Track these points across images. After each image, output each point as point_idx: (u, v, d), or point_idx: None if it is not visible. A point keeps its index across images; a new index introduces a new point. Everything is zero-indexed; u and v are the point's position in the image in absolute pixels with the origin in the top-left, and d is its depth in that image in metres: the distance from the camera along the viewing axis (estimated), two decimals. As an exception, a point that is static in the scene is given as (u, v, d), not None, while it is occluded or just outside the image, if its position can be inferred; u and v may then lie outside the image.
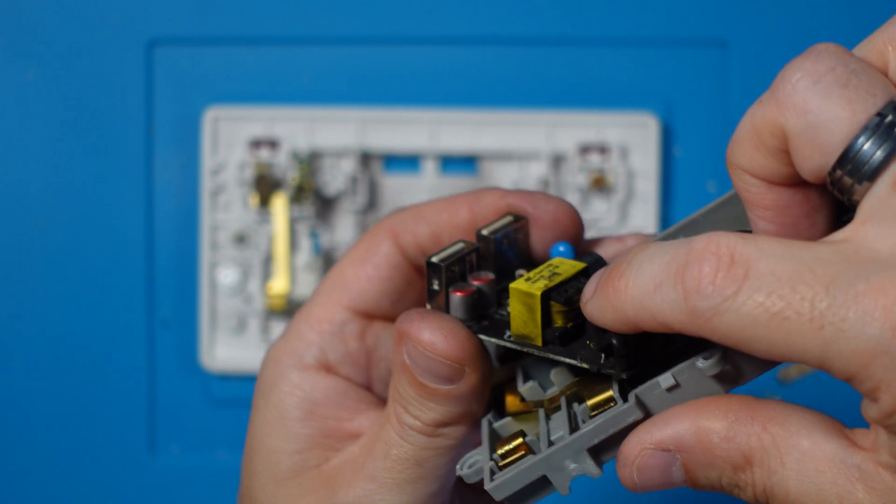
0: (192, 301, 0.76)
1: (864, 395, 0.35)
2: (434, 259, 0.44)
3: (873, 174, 0.35)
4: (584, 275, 0.42)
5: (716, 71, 0.74)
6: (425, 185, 0.75)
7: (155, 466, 0.76)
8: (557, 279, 0.42)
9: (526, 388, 0.44)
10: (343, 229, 0.75)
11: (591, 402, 0.41)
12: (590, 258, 0.44)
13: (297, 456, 0.47)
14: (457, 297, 0.44)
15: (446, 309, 0.44)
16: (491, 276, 0.45)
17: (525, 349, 0.42)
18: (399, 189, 0.76)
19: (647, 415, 0.40)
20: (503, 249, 0.45)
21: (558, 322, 0.41)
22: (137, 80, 0.75)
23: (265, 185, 0.74)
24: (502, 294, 0.45)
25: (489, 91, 0.75)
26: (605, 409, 0.41)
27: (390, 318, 0.49)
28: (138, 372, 0.76)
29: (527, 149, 0.74)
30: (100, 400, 0.76)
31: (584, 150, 0.74)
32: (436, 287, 0.44)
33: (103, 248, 0.75)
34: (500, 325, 0.44)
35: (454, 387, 0.43)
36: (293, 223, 0.75)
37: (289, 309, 0.75)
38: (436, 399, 0.44)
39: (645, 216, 0.74)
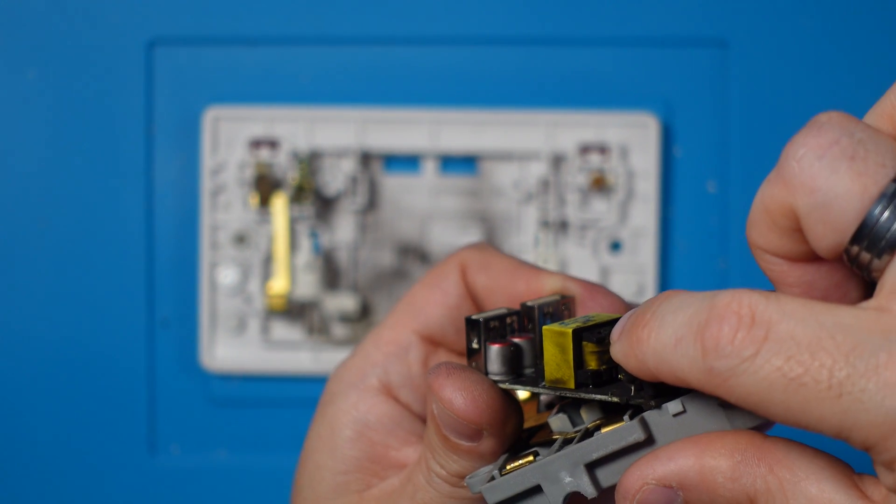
0: (192, 301, 0.76)
1: (882, 465, 0.34)
2: (474, 316, 0.44)
3: (894, 245, 0.34)
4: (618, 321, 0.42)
5: (716, 71, 0.74)
6: (425, 184, 0.75)
7: (155, 466, 0.76)
8: (591, 323, 0.42)
9: (555, 418, 0.43)
10: (343, 229, 0.75)
11: (605, 429, 0.41)
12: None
13: (340, 477, 0.47)
14: (493, 348, 0.44)
15: (485, 367, 0.44)
16: (531, 335, 0.45)
17: (558, 393, 0.42)
18: (399, 189, 0.76)
19: (650, 438, 0.39)
20: (546, 322, 0.45)
21: (591, 364, 0.41)
22: (137, 80, 0.75)
23: (265, 185, 0.74)
24: (541, 357, 0.44)
25: (489, 91, 0.75)
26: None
27: (455, 348, 0.49)
28: (138, 372, 0.76)
29: (527, 149, 0.74)
30: (100, 400, 0.76)
31: (584, 149, 0.74)
32: (475, 345, 0.44)
33: (103, 248, 0.75)
34: (536, 378, 0.44)
35: (475, 444, 0.43)
36: (293, 223, 0.75)
37: (289, 309, 0.75)
38: (458, 453, 0.43)
39: (645, 216, 0.74)
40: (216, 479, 0.76)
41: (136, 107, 0.75)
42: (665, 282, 0.75)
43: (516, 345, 0.44)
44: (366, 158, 0.75)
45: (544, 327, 0.42)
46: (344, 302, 0.75)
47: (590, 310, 0.47)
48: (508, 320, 0.45)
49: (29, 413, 0.76)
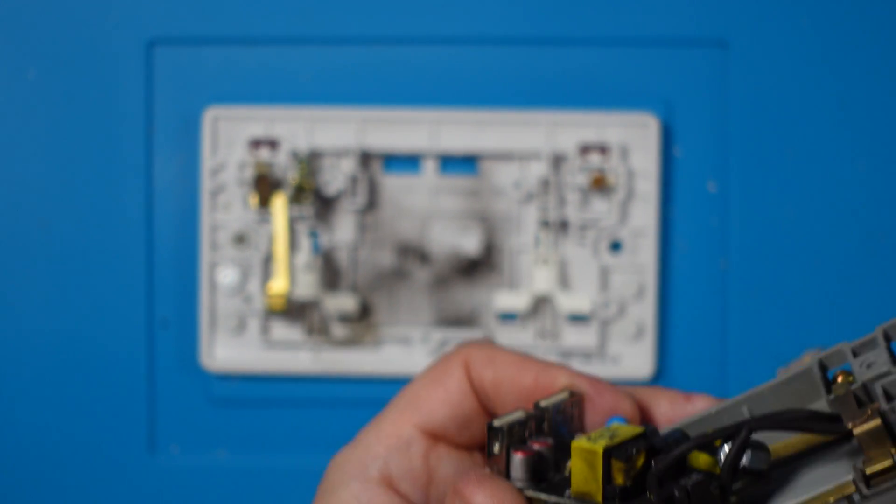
0: (192, 301, 0.76)
1: None
2: (496, 423, 0.45)
3: None
4: (642, 437, 0.43)
5: (716, 71, 0.74)
6: (425, 184, 0.75)
7: (155, 466, 0.76)
8: (618, 439, 0.43)
9: None
10: (343, 229, 0.75)
11: None
12: (646, 427, 0.45)
13: None
14: (517, 457, 0.45)
15: (506, 471, 0.45)
16: (550, 441, 0.46)
17: None
18: (399, 189, 0.76)
19: None
20: (558, 422, 0.47)
21: (619, 480, 0.42)
22: (137, 80, 0.75)
23: (265, 185, 0.74)
24: (559, 461, 0.46)
25: (489, 91, 0.75)
26: None
27: (455, 442, 0.50)
28: (138, 372, 0.76)
29: (527, 149, 0.74)
30: (100, 400, 0.76)
31: (584, 149, 0.74)
32: (496, 450, 0.45)
33: (103, 248, 0.75)
34: (559, 486, 0.45)
35: None
36: (293, 223, 0.75)
37: (289, 309, 0.75)
38: None
39: (645, 216, 0.74)
40: (216, 479, 0.76)
41: (136, 107, 0.75)
42: (665, 282, 0.75)
43: (539, 453, 0.45)
44: (366, 158, 0.75)
45: (573, 443, 0.43)
46: (344, 302, 0.75)
47: (597, 407, 0.48)
48: (527, 425, 0.46)
49: (29, 413, 0.76)
